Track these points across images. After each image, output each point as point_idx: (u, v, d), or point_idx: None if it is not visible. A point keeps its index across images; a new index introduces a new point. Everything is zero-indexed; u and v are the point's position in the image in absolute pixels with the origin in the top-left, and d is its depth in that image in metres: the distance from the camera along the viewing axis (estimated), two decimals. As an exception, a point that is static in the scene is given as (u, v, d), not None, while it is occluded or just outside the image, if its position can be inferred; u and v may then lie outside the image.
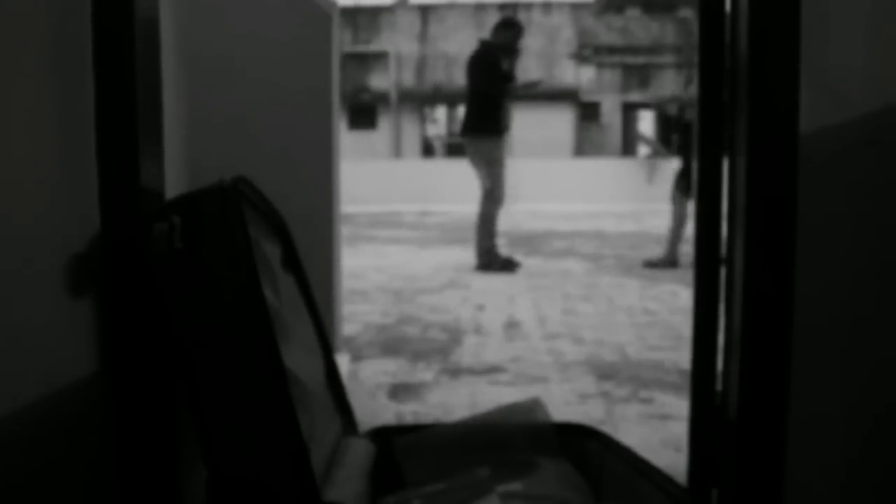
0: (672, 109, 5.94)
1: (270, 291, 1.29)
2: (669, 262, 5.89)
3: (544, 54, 19.43)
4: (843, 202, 1.08)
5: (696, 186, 1.39)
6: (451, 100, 19.80)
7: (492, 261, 5.76)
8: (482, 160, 5.72)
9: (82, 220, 1.09)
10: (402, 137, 20.72)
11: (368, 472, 1.45)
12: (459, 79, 11.05)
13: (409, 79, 20.52)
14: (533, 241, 7.98)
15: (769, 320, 1.20)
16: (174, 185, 1.32)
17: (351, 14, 19.51)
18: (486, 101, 5.67)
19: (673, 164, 6.35)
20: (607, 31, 19.84)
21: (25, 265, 0.95)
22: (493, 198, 5.72)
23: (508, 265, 5.77)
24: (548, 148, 18.75)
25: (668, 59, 19.25)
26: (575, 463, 1.51)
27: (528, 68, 18.82)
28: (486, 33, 6.10)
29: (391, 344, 3.42)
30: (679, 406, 2.32)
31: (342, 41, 4.28)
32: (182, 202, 1.19)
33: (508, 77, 5.72)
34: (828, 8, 1.14)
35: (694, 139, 5.73)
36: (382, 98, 20.49)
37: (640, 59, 18.77)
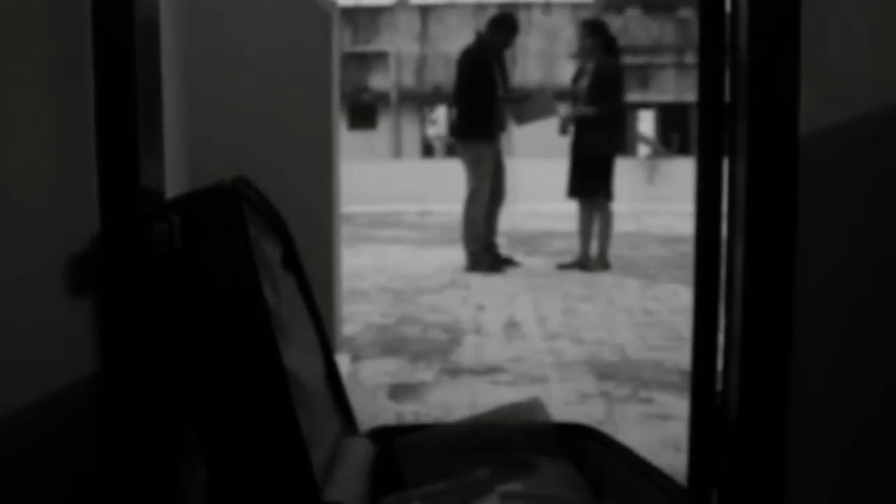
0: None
1: (270, 291, 1.29)
2: (580, 263, 5.83)
3: (544, 54, 19.43)
4: (843, 202, 1.08)
5: (696, 186, 1.39)
6: (450, 100, 19.78)
7: (479, 262, 5.74)
8: (470, 162, 5.72)
9: (82, 220, 1.09)
10: (402, 137, 20.71)
11: (368, 472, 1.45)
12: (459, 79, 11.00)
13: (409, 79, 20.51)
14: (533, 241, 7.97)
15: (769, 320, 1.20)
16: (174, 185, 1.32)
17: (351, 14, 19.50)
18: (476, 106, 5.64)
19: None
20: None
21: (26, 265, 0.95)
22: (475, 200, 5.69)
23: (496, 266, 5.74)
24: (549, 148, 18.75)
25: (667, 59, 19.24)
26: (575, 463, 1.51)
27: (527, 68, 18.87)
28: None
29: (391, 344, 3.41)
30: (679, 406, 2.32)
31: (342, 41, 4.28)
32: (182, 202, 1.19)
33: (498, 86, 5.67)
34: (828, 8, 1.14)
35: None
36: (382, 98, 20.49)
37: (639, 60, 18.75)
